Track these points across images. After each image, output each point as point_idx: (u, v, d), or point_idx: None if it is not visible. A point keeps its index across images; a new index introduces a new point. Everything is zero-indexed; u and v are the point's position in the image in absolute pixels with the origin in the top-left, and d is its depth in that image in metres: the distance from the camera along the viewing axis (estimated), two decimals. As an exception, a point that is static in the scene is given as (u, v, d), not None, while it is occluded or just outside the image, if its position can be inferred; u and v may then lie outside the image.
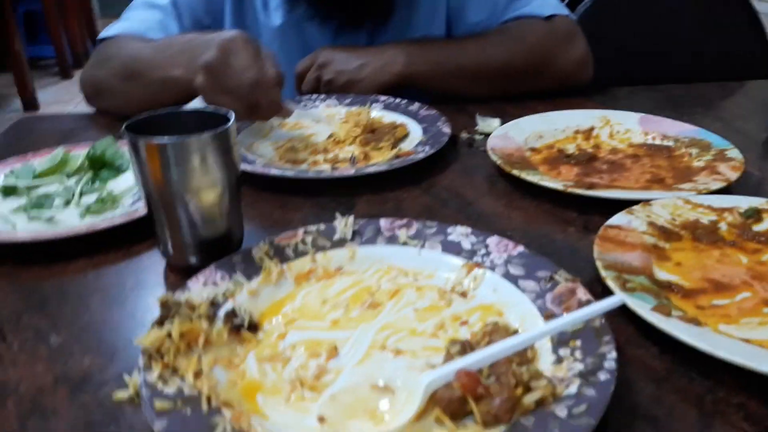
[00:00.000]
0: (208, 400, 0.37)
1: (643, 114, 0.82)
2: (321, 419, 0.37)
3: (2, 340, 0.46)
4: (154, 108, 0.53)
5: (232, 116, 0.51)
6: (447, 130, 0.78)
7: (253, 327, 0.45)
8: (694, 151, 0.73)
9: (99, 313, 0.49)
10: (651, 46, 1.21)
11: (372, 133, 0.80)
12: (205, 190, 0.50)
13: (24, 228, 0.61)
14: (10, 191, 0.68)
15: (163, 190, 0.50)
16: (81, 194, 0.67)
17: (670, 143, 0.76)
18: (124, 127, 0.49)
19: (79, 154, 0.73)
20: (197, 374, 0.39)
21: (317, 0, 0.94)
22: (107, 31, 0.95)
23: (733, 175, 0.64)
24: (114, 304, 0.51)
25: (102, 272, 0.55)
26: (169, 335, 0.41)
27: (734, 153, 0.70)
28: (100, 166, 0.71)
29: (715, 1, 1.20)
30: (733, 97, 1.01)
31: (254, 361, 0.42)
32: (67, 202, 0.66)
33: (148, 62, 0.84)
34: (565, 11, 1.00)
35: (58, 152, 0.73)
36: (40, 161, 0.72)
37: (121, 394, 0.40)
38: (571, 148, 0.77)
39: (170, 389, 0.38)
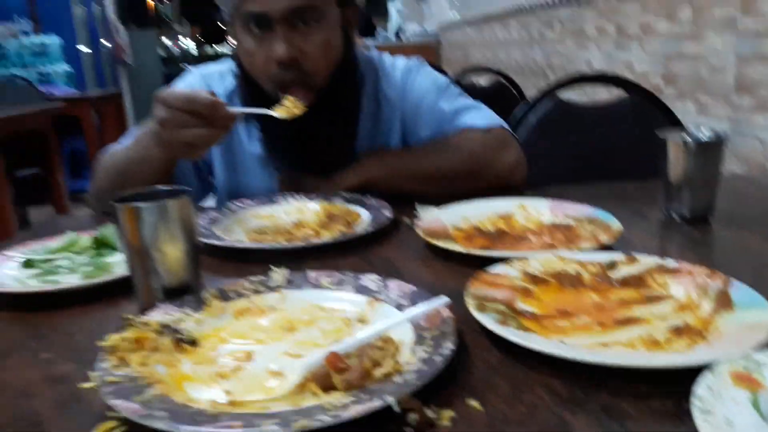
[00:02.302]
0: (146, 380, 0.51)
1: (553, 200, 0.98)
2: (227, 392, 0.50)
3: (8, 356, 0.61)
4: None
5: (189, 191, 0.68)
6: (389, 214, 0.95)
7: (193, 342, 0.59)
8: (589, 226, 0.88)
9: (82, 341, 0.64)
10: (588, 152, 1.39)
11: (329, 219, 0.97)
12: (169, 245, 0.67)
13: (35, 286, 0.77)
14: (29, 264, 0.85)
15: (137, 246, 0.66)
16: (84, 265, 0.84)
17: (571, 222, 0.91)
18: (112, 199, 0.66)
19: (87, 237, 0.91)
20: (142, 365, 0.53)
21: (288, 157, 1.12)
22: (107, 150, 1.13)
23: (607, 240, 0.79)
24: (93, 334, 0.65)
25: (89, 315, 0.70)
26: (125, 339, 0.55)
27: (616, 225, 0.84)
28: (103, 246, 0.89)
29: (645, 111, 1.40)
30: (648, 191, 1.16)
31: (189, 363, 0.56)
32: (72, 271, 0.82)
33: (123, 155, 1.04)
34: (500, 122, 1.18)
35: (71, 235, 0.90)
36: (56, 242, 0.90)
37: (86, 384, 0.53)
38: (489, 228, 0.92)
39: (120, 372, 0.51)
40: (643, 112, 1.43)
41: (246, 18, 1.01)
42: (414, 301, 0.63)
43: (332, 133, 1.11)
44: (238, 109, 0.94)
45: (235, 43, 1.09)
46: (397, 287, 0.66)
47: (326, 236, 0.90)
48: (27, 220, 3.74)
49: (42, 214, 4.11)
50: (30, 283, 0.79)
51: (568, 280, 0.70)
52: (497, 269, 0.70)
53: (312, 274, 0.70)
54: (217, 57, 8.60)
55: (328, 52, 1.05)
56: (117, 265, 0.83)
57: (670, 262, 0.70)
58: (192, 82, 1.22)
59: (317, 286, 0.69)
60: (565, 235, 0.86)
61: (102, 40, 5.69)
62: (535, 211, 0.96)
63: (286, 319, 0.64)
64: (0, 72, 4.52)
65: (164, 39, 9.36)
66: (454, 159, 1.12)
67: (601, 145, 1.42)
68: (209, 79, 1.21)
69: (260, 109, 0.99)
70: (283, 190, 1.13)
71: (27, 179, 3.63)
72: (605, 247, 0.79)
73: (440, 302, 0.54)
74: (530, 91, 2.83)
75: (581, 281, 0.70)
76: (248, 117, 1.13)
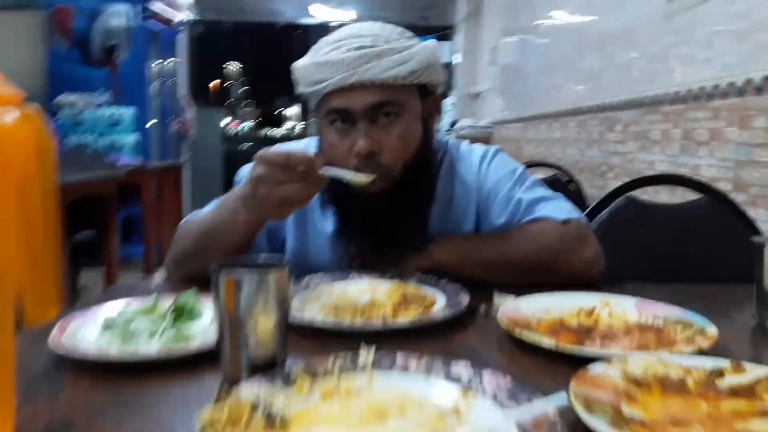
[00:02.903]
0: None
1: (639, 299, 0.94)
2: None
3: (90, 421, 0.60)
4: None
5: (287, 262, 0.68)
6: (465, 300, 0.93)
7: (284, 423, 0.57)
8: (679, 328, 0.84)
9: (164, 413, 0.62)
10: (662, 252, 1.36)
11: (404, 300, 0.95)
12: (263, 317, 0.66)
13: (115, 352, 0.77)
14: (109, 325, 0.85)
15: (232, 315, 0.66)
16: (163, 331, 0.84)
17: (660, 322, 0.87)
18: (211, 267, 0.67)
19: (167, 302, 0.91)
20: (237, 439, 0.51)
21: (361, 236, 1.13)
22: (186, 218, 1.17)
23: (705, 344, 0.75)
24: (177, 405, 0.64)
25: (170, 388, 0.69)
26: (219, 416, 0.54)
27: (711, 329, 0.80)
28: (182, 312, 0.89)
29: (719, 214, 1.37)
30: (733, 295, 1.11)
31: (281, 442, 0.54)
32: (151, 336, 0.82)
33: (208, 219, 1.06)
34: (578, 215, 1.17)
35: (151, 299, 0.91)
36: (136, 305, 0.91)
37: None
38: (573, 322, 0.89)
39: (216, 445, 0.50)
40: (717, 215, 1.40)
41: (329, 113, 1.06)
42: (513, 396, 0.60)
43: (406, 215, 1.12)
44: (329, 169, 0.97)
45: (318, 134, 1.13)
46: (491, 378, 0.63)
47: (404, 318, 0.88)
48: (76, 284, 3.80)
49: (91, 277, 4.20)
50: (110, 350, 0.78)
51: (673, 386, 0.65)
52: (597, 369, 0.67)
53: (400, 357, 0.68)
54: (272, 139, 9.00)
55: (407, 144, 1.08)
56: (197, 334, 0.83)
57: (783, 374, 0.65)
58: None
59: (405, 369, 0.67)
60: (656, 335, 0.83)
61: (172, 118, 6.03)
62: (620, 308, 0.93)
63: (376, 406, 0.61)
64: (74, 139, 4.78)
65: (226, 120, 9.85)
66: (528, 250, 1.11)
67: (674, 246, 1.38)
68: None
69: (347, 171, 1.00)
70: (355, 267, 1.12)
71: (81, 243, 3.73)
72: (702, 353, 0.74)
73: (553, 403, 0.51)
74: (588, 189, 2.84)
75: (686, 388, 0.66)
76: (324, 195, 1.15)
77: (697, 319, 0.85)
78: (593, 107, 3.48)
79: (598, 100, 3.40)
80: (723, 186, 1.92)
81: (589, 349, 0.74)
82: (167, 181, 4.97)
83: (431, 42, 1.11)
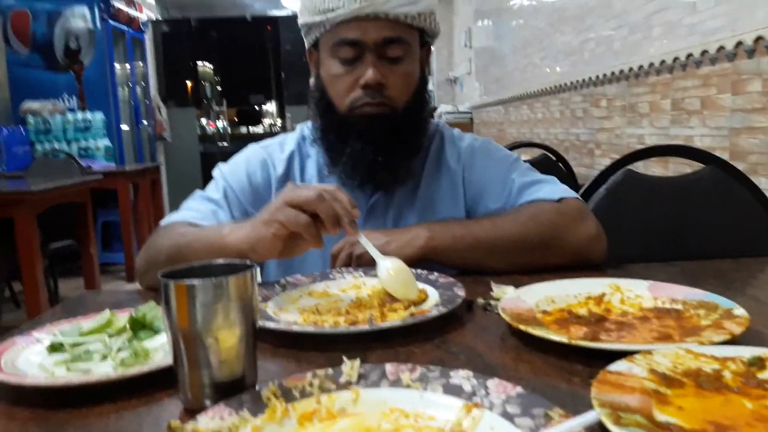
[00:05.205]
0: None
1: (652, 281, 0.85)
2: None
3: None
4: None
5: (254, 265, 0.58)
6: (461, 293, 0.83)
7: (254, 458, 0.47)
8: (702, 312, 0.75)
9: (113, 447, 0.52)
10: (666, 227, 1.27)
11: (392, 297, 0.85)
12: (225, 331, 0.56)
13: (60, 377, 0.66)
14: (56, 348, 0.74)
15: (187, 330, 0.55)
16: (118, 350, 0.73)
17: (679, 306, 0.78)
18: (160, 274, 0.56)
19: (124, 317, 0.80)
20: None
21: (347, 170, 1.08)
22: (165, 220, 1.09)
23: (738, 330, 0.65)
24: (129, 439, 0.53)
25: (123, 416, 0.58)
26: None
27: (740, 311, 0.71)
28: (140, 327, 0.78)
29: (726, 183, 1.28)
30: (747, 270, 1.03)
31: (249, 486, 0.44)
32: (104, 357, 0.71)
33: (197, 238, 0.95)
34: (574, 195, 1.09)
35: (105, 314, 0.80)
36: (88, 322, 0.80)
37: None
38: (582, 312, 0.79)
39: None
40: (721, 185, 1.31)
41: (338, 44, 1.04)
42: (526, 408, 0.50)
43: (403, 141, 1.09)
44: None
45: (316, 69, 1.13)
46: (498, 388, 0.54)
47: (393, 318, 0.78)
48: (57, 293, 3.71)
49: (72, 286, 4.07)
50: (57, 371, 0.68)
51: (708, 382, 0.56)
52: (619, 366, 0.57)
53: (390, 369, 0.58)
54: (250, 137, 8.83)
55: (409, 84, 1.09)
56: (157, 350, 0.72)
57: (834, 361, 0.56)
58: (250, 154, 1.19)
59: (397, 383, 0.57)
60: (677, 322, 0.73)
61: (143, 120, 5.86)
62: (632, 293, 0.84)
63: (365, 429, 0.51)
64: (44, 147, 4.62)
65: (202, 119, 9.66)
66: (527, 228, 1.03)
67: (679, 221, 1.30)
68: (269, 149, 1.19)
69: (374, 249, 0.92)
70: (338, 264, 1.02)
71: (60, 251, 3.62)
72: (734, 340, 0.65)
73: (585, 421, 0.41)
74: (576, 169, 2.75)
75: (724, 383, 0.56)
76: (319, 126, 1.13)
77: (721, 301, 0.76)
78: (575, 84, 3.40)
79: (579, 76, 3.32)
80: (719, 156, 1.84)
81: (607, 344, 0.64)
82: (144, 184, 4.82)
83: None
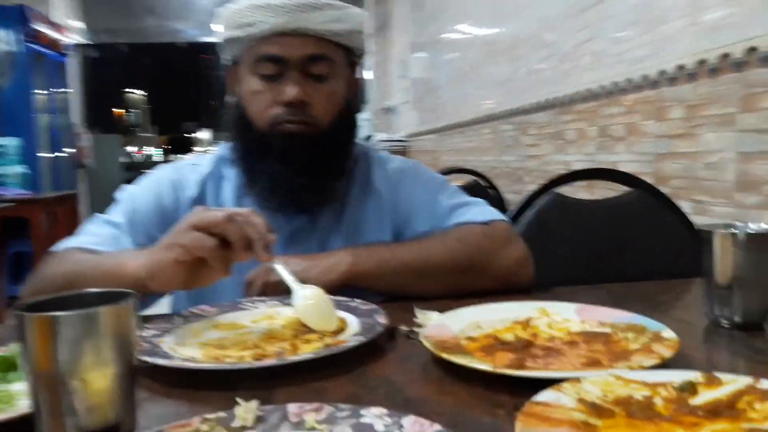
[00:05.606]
0: None
1: (580, 304, 0.82)
2: None
3: None
4: None
5: (132, 295, 0.50)
6: (382, 320, 0.77)
7: None
8: (630, 335, 0.71)
9: None
10: (593, 250, 1.26)
11: (306, 327, 0.78)
12: (95, 372, 0.47)
13: None
14: None
15: (47, 372, 0.46)
16: (-18, 396, 0.62)
17: (607, 329, 0.75)
18: (16, 306, 0.47)
19: (-3, 356, 0.70)
20: None
21: (265, 192, 1.02)
22: (58, 246, 0.98)
23: (668, 353, 0.62)
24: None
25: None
26: None
27: (669, 334, 0.68)
28: (9, 368, 0.68)
29: (651, 205, 1.29)
30: (674, 292, 1.02)
31: None
32: (-35, 404, 0.61)
33: (93, 266, 0.86)
34: (502, 217, 1.06)
35: (-29, 354, 0.69)
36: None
37: None
38: (508, 337, 0.75)
39: None
40: (647, 208, 1.32)
41: (259, 59, 0.99)
42: (444, 448, 0.44)
43: (327, 160, 1.03)
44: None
45: (233, 86, 1.08)
46: (414, 426, 0.47)
47: (306, 351, 0.71)
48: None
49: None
50: None
51: (640, 410, 0.52)
52: (546, 396, 0.52)
53: (293, 409, 0.51)
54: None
55: (333, 104, 1.04)
56: (24, 395, 0.62)
57: (766, 383, 0.53)
58: (160, 175, 1.10)
59: (299, 425, 0.50)
60: (606, 346, 0.70)
61: (64, 147, 5.58)
62: (559, 316, 0.80)
63: (258, 480, 0.44)
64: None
65: (129, 147, 9.35)
66: (455, 251, 0.99)
67: (606, 243, 1.29)
68: (182, 170, 1.10)
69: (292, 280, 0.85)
70: (251, 293, 0.94)
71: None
72: (664, 364, 0.62)
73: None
74: (507, 195, 2.77)
75: (655, 411, 0.52)
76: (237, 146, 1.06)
77: (649, 323, 0.73)
78: (506, 112, 3.45)
79: (510, 105, 3.37)
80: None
81: (534, 372, 0.59)
82: (62, 213, 4.55)
83: (362, 10, 1.09)
